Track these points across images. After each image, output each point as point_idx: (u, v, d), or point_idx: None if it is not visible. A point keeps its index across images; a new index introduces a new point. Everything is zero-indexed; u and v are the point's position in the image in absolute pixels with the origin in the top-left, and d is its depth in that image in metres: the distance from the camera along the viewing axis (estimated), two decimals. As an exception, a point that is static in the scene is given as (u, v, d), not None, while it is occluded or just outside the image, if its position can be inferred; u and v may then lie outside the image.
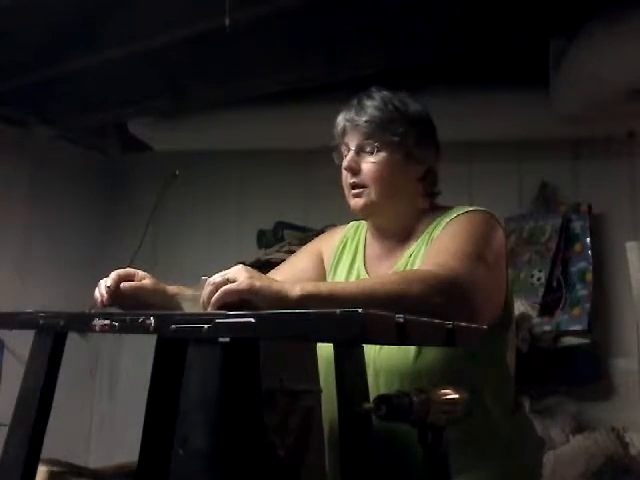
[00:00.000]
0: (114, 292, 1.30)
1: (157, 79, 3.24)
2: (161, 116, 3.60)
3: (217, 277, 1.05)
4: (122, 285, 1.31)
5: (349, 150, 1.38)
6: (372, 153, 1.35)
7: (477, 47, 2.70)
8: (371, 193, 1.35)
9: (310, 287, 1.08)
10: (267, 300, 1.03)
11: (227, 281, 1.04)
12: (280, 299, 1.03)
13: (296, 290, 1.05)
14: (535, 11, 2.46)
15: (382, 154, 1.34)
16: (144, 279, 1.34)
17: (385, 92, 1.39)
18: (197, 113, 3.52)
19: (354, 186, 1.36)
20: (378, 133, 1.34)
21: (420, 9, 2.58)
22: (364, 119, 1.35)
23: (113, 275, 1.32)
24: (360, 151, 1.36)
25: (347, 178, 1.38)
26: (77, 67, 3.06)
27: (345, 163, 1.37)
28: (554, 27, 2.62)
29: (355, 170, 1.36)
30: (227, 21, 2.31)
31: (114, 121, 3.87)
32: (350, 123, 1.37)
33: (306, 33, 2.80)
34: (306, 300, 1.03)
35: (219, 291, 1.03)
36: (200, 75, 3.15)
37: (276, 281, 1.08)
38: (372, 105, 1.36)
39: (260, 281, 1.04)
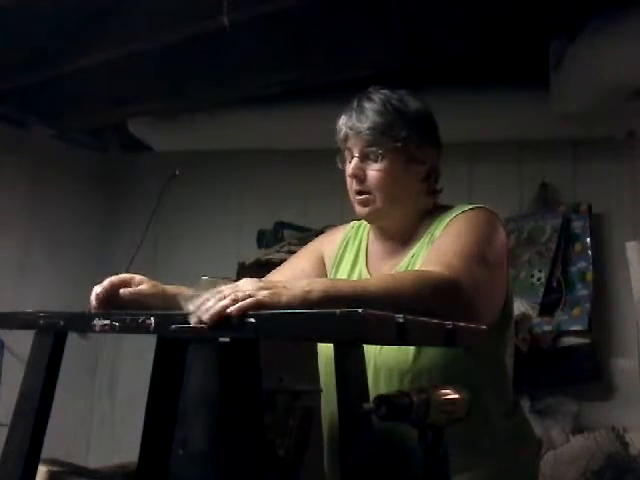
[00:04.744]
0: (103, 300, 1.28)
1: (157, 79, 3.23)
2: (161, 116, 3.60)
3: (226, 292, 0.97)
4: (121, 292, 1.29)
5: (352, 156, 1.36)
6: (376, 160, 1.34)
7: (477, 47, 2.70)
8: (376, 200, 1.35)
9: (314, 293, 1.05)
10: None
11: (234, 299, 0.96)
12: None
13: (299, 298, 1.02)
14: (535, 11, 2.46)
15: (386, 160, 1.34)
16: (141, 284, 1.32)
17: (384, 92, 1.37)
18: (197, 113, 3.51)
19: (359, 192, 1.36)
20: (381, 139, 1.33)
21: (419, 9, 2.58)
22: (366, 126, 1.33)
23: (106, 283, 1.30)
24: (364, 158, 1.35)
25: (352, 184, 1.37)
26: (77, 67, 3.06)
27: (350, 170, 1.36)
28: (554, 27, 2.62)
29: (360, 177, 1.35)
30: (226, 20, 2.31)
31: (114, 121, 3.87)
32: (352, 130, 1.35)
33: (306, 33, 2.80)
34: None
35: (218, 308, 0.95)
36: (200, 75, 3.14)
37: (283, 289, 1.02)
38: (373, 109, 1.34)
39: (269, 297, 0.98)
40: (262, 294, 0.97)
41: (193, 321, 0.96)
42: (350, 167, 1.36)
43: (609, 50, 2.44)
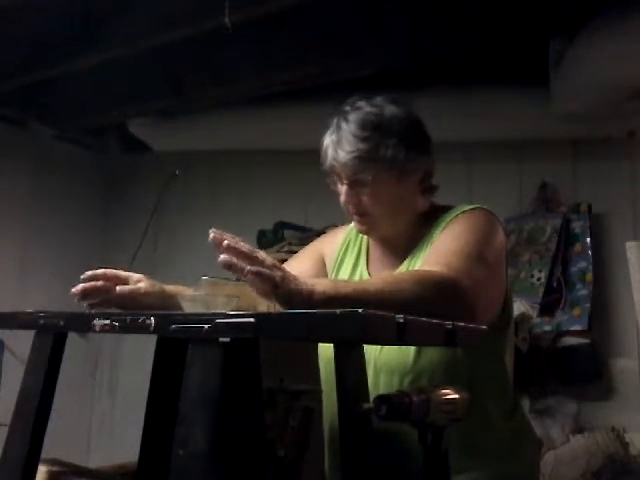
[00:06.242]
0: (90, 280, 1.29)
1: (157, 79, 3.23)
2: (161, 116, 3.60)
3: (261, 255, 1.05)
4: (118, 289, 1.29)
5: (341, 179, 1.35)
6: (366, 185, 1.31)
7: (477, 47, 2.70)
8: (375, 219, 1.35)
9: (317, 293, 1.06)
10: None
11: (262, 260, 1.04)
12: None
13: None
14: (535, 11, 2.46)
15: (376, 183, 1.31)
16: (139, 282, 1.32)
17: (362, 109, 1.32)
18: (197, 113, 3.51)
19: (355, 214, 1.36)
20: (367, 166, 1.29)
21: (419, 9, 2.58)
22: (349, 156, 1.29)
23: (100, 271, 1.30)
24: (354, 184, 1.32)
25: (347, 208, 1.37)
26: (77, 67, 3.06)
27: (342, 198, 1.35)
28: (554, 27, 2.62)
29: (355, 204, 1.34)
30: (227, 21, 2.31)
31: (114, 121, 3.86)
32: (336, 162, 1.32)
33: (305, 33, 2.80)
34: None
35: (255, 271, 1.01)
36: (200, 75, 3.14)
37: (293, 280, 1.05)
38: (353, 134, 1.29)
39: (280, 280, 1.02)
40: (277, 275, 1.01)
41: (211, 236, 1.12)
42: (342, 195, 1.35)
43: (609, 50, 2.44)
